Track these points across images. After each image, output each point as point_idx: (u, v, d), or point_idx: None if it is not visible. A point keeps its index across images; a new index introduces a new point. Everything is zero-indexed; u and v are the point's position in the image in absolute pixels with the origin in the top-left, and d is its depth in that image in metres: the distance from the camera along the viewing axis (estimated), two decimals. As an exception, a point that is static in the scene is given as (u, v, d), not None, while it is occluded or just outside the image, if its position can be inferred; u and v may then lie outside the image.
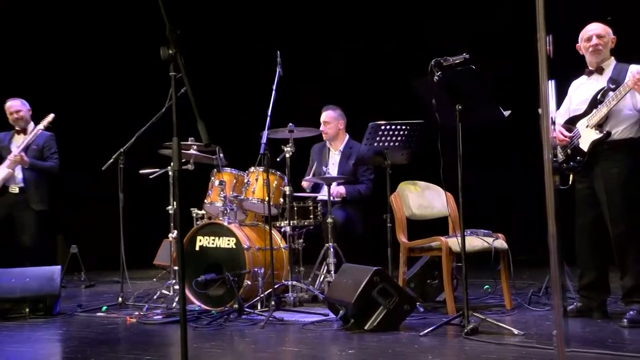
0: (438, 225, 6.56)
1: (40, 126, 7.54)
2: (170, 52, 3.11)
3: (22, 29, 10.66)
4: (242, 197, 6.82)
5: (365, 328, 5.12)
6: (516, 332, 4.80)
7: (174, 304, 6.58)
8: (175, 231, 7.18)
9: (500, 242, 5.97)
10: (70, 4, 10.78)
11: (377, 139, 6.21)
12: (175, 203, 7.03)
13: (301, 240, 6.84)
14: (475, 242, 5.83)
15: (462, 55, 5.01)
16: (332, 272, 6.46)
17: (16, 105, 7.71)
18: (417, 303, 5.70)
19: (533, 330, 5.01)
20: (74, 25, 10.99)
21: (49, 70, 10.78)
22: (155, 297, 7.02)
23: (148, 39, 10.14)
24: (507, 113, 5.12)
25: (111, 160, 7.08)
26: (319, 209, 6.82)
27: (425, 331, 4.94)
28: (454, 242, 5.72)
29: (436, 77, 4.98)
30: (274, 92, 6.54)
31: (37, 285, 6.54)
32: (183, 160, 7.05)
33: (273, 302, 5.98)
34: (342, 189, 7.15)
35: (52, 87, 10.45)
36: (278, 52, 6.67)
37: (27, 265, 6.92)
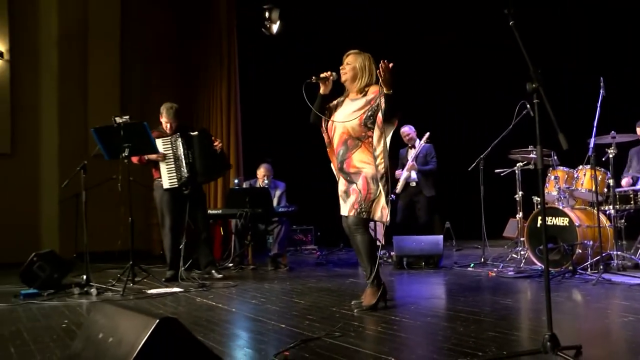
0: None
1: (422, 141, 7.82)
2: (534, 85, 3.05)
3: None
4: (573, 188, 6.50)
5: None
6: None
7: (522, 264, 6.46)
8: (521, 212, 7.07)
9: None
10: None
11: None
12: (521, 193, 6.95)
13: (623, 220, 6.30)
14: None
15: None
16: (653, 246, 5.88)
17: (406, 131, 8.04)
18: None
19: None
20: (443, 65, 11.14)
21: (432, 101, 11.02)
22: (507, 259, 6.94)
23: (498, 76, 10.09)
24: None
25: (474, 164, 7.17)
26: (639, 196, 6.24)
27: None
28: None
29: None
30: (598, 108, 6.13)
31: (429, 247, 6.81)
32: (526, 162, 6.93)
33: (602, 266, 5.58)
34: None
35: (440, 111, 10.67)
36: (602, 77, 6.21)
37: (422, 234, 7.20)
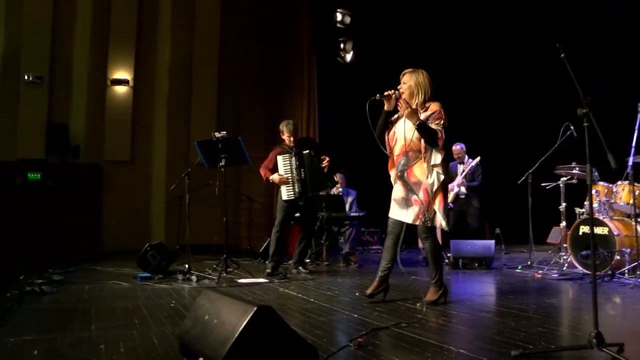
0: None
1: (472, 163, 7.58)
2: (584, 111, 2.93)
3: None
4: (612, 201, 6.20)
5: None
6: None
7: (564, 268, 6.21)
8: (564, 222, 6.79)
9: None
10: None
11: None
12: (564, 204, 6.68)
13: (659, 231, 5.98)
14: None
15: None
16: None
17: (457, 149, 7.78)
18: None
19: None
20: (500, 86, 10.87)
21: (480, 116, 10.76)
22: (551, 263, 6.69)
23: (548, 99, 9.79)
24: None
25: (523, 178, 6.95)
26: (672, 209, 5.89)
27: None
28: None
29: None
30: (636, 131, 5.84)
31: (482, 250, 6.66)
32: (569, 177, 6.67)
33: (638, 272, 5.33)
34: None
35: (481, 129, 10.41)
36: (638, 104, 5.90)
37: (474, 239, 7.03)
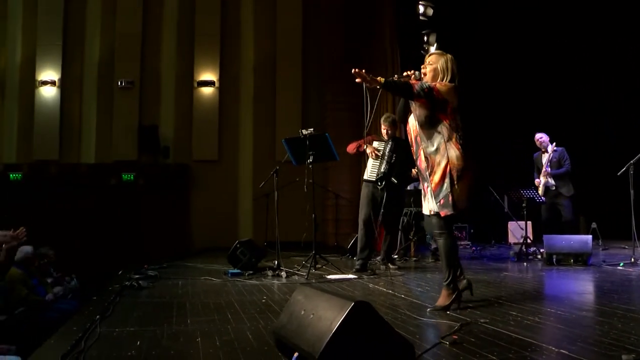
0: None
1: (558, 149, 7.30)
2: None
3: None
4: None
5: None
6: None
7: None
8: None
9: None
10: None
11: None
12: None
13: None
14: None
15: None
16: None
17: (539, 138, 7.47)
18: None
19: None
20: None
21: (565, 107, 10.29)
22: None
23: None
24: None
25: (624, 169, 6.57)
26: None
27: None
28: None
29: None
30: None
31: (578, 245, 6.34)
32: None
33: None
34: None
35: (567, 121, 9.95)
36: None
37: (568, 233, 6.73)
